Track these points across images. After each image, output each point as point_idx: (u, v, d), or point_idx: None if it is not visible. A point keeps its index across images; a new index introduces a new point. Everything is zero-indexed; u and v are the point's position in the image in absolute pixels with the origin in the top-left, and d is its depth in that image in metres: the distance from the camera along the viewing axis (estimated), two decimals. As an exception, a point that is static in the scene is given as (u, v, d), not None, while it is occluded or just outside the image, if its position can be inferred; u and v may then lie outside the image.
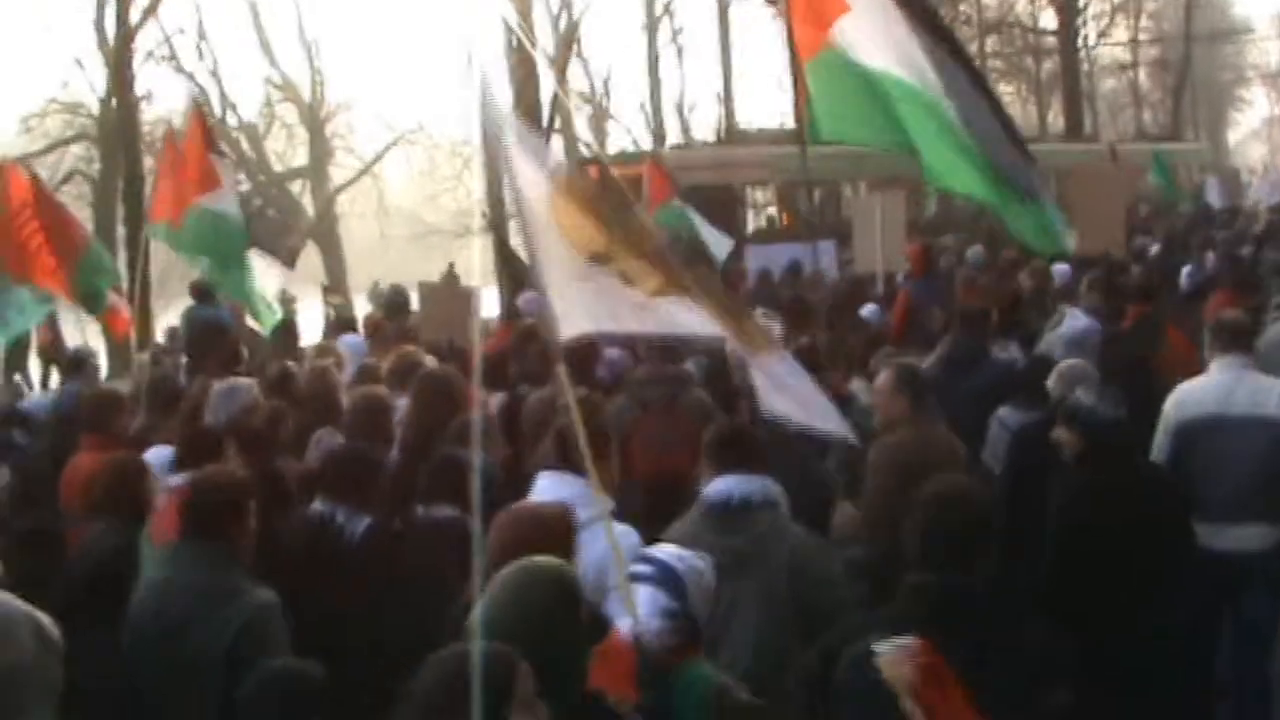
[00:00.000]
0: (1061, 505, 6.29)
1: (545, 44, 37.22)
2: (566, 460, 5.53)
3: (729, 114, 38.32)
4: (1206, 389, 7.39)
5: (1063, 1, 48.04)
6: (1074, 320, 10.67)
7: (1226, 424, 7.17)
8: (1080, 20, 51.17)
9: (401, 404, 8.31)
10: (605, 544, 4.66)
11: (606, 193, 4.98)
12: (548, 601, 3.76)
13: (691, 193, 25.55)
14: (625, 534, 5.05)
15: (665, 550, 4.58)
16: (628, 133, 46.37)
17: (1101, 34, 57.61)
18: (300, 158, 44.01)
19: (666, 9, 46.39)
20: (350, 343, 12.47)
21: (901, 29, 9.03)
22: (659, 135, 44.00)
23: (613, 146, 42.74)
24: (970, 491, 4.64)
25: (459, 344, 11.67)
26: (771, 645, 5.11)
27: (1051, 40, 51.05)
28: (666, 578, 4.35)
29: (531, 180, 4.72)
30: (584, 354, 8.89)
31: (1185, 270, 15.84)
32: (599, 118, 47.01)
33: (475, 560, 4.32)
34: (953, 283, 15.62)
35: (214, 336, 13.24)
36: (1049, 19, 49.85)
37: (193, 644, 4.98)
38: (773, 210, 30.75)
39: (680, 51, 49.53)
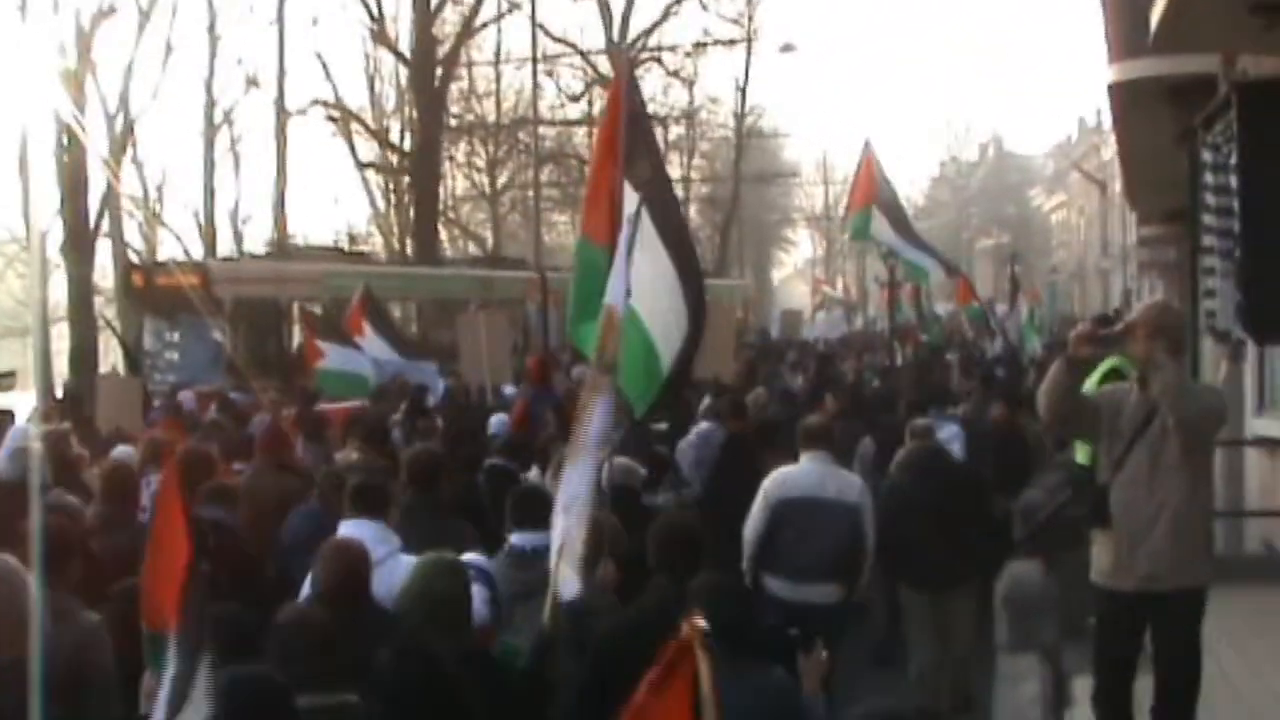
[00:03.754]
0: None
1: (100, 143, 35.81)
2: (365, 510, 7.31)
3: (282, 227, 37.48)
4: (803, 475, 9.54)
5: (620, 137, 49.74)
6: (702, 428, 13.23)
7: (819, 505, 9.30)
8: (637, 155, 53.06)
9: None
10: (400, 571, 6.45)
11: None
12: (443, 583, 5.80)
13: (239, 305, 25.16)
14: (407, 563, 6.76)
15: (478, 558, 6.84)
16: (178, 240, 44.82)
17: (656, 169, 59.62)
18: None
19: (226, 117, 45.39)
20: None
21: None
22: (210, 245, 42.84)
23: (163, 253, 41.36)
24: (688, 521, 7.09)
25: (127, 430, 13.30)
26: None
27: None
28: (485, 576, 6.58)
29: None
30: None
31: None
32: (151, 223, 45.30)
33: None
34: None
35: None
36: (606, 152, 51.43)
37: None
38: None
39: (237, 161, 48.39)
